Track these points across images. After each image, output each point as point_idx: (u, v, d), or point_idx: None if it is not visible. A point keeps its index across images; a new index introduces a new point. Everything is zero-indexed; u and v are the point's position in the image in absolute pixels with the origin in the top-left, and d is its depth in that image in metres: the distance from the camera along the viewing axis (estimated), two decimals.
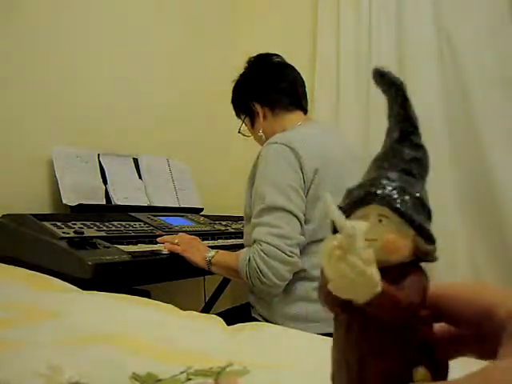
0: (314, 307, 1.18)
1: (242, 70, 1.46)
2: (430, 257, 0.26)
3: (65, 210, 1.46)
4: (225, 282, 1.87)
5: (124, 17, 1.83)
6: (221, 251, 1.29)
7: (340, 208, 0.26)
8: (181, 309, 0.79)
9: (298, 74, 1.43)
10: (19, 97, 1.49)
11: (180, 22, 2.09)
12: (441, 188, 1.70)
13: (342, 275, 0.23)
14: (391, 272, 0.25)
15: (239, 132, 1.52)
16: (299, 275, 1.20)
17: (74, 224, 1.25)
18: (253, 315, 1.29)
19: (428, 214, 0.26)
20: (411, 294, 0.25)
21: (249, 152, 1.47)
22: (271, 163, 1.21)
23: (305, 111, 1.42)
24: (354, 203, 0.26)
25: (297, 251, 1.15)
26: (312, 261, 1.20)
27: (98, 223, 1.30)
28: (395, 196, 0.25)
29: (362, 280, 0.23)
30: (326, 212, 0.24)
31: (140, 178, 1.74)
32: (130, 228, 1.36)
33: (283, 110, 1.38)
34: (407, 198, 0.25)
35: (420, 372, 0.25)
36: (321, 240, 1.19)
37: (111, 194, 1.59)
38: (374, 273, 0.23)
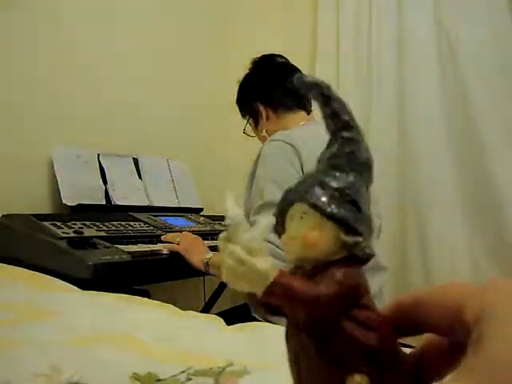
0: None
1: (243, 71, 1.46)
2: (358, 250, 0.24)
3: (65, 209, 1.46)
4: None
5: (124, 17, 1.83)
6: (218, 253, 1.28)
7: (275, 212, 0.26)
8: (181, 309, 0.79)
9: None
10: (19, 96, 1.49)
11: (180, 22, 2.08)
12: (441, 188, 1.70)
13: (228, 266, 0.22)
14: (315, 270, 0.24)
15: (244, 132, 1.52)
16: None
17: (74, 224, 1.25)
18: (253, 315, 1.29)
19: (353, 205, 0.24)
20: (319, 286, 0.22)
21: (249, 152, 1.47)
22: (271, 160, 1.22)
23: (308, 112, 1.42)
24: (282, 205, 0.26)
25: None
26: None
27: (97, 223, 1.30)
28: (311, 191, 0.25)
29: (247, 270, 0.22)
30: (225, 209, 0.23)
31: (140, 177, 1.74)
32: (130, 228, 1.36)
33: (286, 111, 1.38)
34: (325, 191, 0.24)
35: (355, 379, 0.22)
36: None
37: (111, 193, 1.59)
38: (261, 263, 0.22)
